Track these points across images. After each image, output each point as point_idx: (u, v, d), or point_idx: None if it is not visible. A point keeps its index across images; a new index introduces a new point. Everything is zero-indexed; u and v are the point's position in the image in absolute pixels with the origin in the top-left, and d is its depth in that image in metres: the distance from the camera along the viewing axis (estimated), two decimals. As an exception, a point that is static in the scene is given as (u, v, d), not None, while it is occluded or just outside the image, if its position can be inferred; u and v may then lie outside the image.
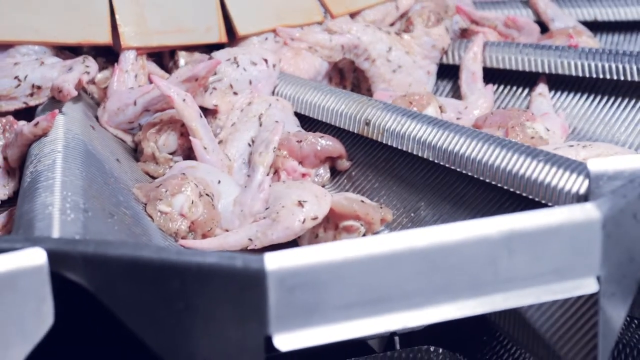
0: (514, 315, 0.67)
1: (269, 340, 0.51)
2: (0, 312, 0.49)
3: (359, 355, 0.76)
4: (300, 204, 0.77)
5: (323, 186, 0.91)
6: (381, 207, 0.79)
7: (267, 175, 0.84)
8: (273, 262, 0.49)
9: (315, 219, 0.77)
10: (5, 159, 0.85)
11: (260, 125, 0.92)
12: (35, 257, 0.50)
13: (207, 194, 0.79)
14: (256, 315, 0.50)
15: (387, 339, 0.90)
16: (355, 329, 0.52)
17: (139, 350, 0.53)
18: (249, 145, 0.91)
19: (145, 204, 0.79)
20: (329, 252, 0.50)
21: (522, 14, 1.19)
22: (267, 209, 0.79)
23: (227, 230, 0.80)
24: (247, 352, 0.51)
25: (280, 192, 0.80)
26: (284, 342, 0.51)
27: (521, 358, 0.84)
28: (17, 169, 0.85)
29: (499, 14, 1.18)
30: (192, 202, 0.78)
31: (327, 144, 0.89)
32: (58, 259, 0.51)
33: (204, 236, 0.79)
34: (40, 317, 0.51)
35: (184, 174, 0.81)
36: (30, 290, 0.50)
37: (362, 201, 0.79)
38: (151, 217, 0.78)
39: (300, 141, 0.88)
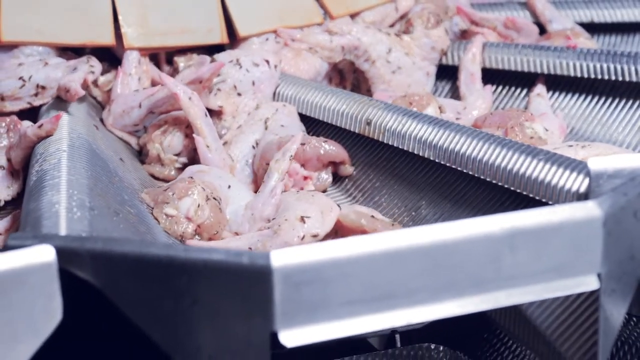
0: (514, 312, 0.68)
1: (274, 336, 0.51)
2: (10, 308, 0.50)
3: (360, 352, 0.77)
4: (303, 219, 0.76)
5: (325, 190, 0.91)
6: (392, 225, 0.78)
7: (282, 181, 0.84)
8: (279, 258, 0.50)
9: (315, 236, 0.76)
10: (9, 160, 0.85)
11: (266, 129, 0.92)
12: (44, 254, 0.51)
13: (214, 198, 0.79)
14: (262, 311, 0.50)
15: (387, 337, 0.90)
16: (359, 325, 0.52)
17: (146, 346, 0.53)
18: (253, 147, 0.91)
19: (153, 208, 0.79)
20: (334, 249, 0.51)
21: (519, 15, 1.19)
22: (274, 219, 0.79)
23: (236, 234, 0.80)
24: (252, 347, 0.51)
25: (289, 204, 0.79)
26: (289, 338, 0.51)
27: (522, 355, 0.84)
28: (20, 170, 0.85)
29: (496, 15, 1.18)
30: (199, 206, 0.78)
31: (330, 148, 0.89)
32: (67, 256, 0.51)
33: (210, 239, 0.79)
34: (49, 313, 0.51)
35: (191, 177, 0.81)
36: (39, 286, 0.50)
37: (373, 216, 0.78)
38: (157, 220, 0.77)
39: (304, 144, 0.88)
